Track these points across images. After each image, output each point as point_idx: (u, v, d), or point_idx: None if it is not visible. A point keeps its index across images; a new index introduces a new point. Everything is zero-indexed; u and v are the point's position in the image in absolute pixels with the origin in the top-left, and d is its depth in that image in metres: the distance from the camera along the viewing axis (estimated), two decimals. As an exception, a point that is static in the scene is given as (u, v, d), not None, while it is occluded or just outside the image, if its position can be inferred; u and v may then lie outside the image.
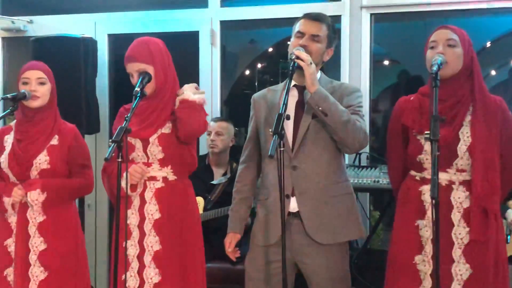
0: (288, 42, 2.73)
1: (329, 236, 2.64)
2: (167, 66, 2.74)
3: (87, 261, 3.09)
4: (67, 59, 3.90)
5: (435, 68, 2.29)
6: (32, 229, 2.89)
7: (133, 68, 2.68)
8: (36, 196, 2.86)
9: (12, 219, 2.92)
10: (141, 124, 2.68)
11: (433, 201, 2.08)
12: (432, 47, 2.44)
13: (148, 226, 2.71)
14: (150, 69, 2.67)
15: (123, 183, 2.51)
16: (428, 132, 2.13)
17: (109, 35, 4.58)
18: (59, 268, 2.91)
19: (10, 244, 2.92)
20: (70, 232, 2.98)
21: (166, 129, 2.70)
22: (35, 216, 2.90)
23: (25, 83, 2.91)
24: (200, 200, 3.75)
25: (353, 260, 3.69)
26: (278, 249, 2.41)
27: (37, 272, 2.88)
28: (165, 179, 2.73)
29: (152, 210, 2.71)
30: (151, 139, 2.69)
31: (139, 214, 2.71)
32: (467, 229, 2.39)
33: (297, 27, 2.69)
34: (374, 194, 4.21)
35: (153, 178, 2.72)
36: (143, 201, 2.72)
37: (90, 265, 3.17)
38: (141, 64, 2.67)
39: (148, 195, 2.72)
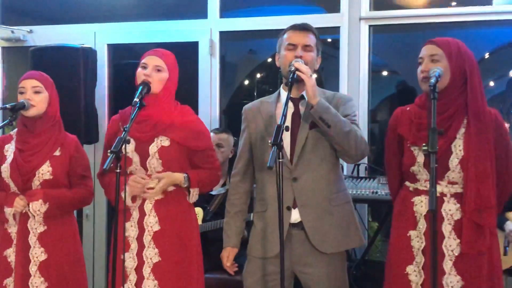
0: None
1: (332, 245, 2.64)
2: (175, 82, 2.81)
3: (85, 271, 3.09)
4: (66, 69, 3.91)
5: (433, 80, 2.29)
6: (32, 240, 2.89)
7: (154, 61, 2.72)
8: (38, 207, 2.86)
9: (12, 229, 2.92)
10: (140, 131, 2.71)
11: (431, 213, 2.08)
12: (420, 63, 2.46)
13: (147, 238, 2.70)
14: (165, 73, 2.73)
15: (122, 194, 2.53)
16: (426, 144, 2.13)
17: (109, 45, 4.60)
18: (59, 278, 2.92)
19: (10, 254, 2.91)
20: (70, 242, 2.98)
21: (166, 141, 2.71)
22: (36, 227, 2.90)
23: (21, 93, 2.92)
24: (199, 211, 3.74)
25: (352, 271, 3.69)
26: (276, 261, 2.41)
27: (37, 283, 2.88)
28: (164, 190, 2.73)
29: (152, 222, 2.70)
30: (151, 152, 2.70)
31: (138, 226, 2.71)
32: (458, 241, 2.38)
33: (287, 39, 2.68)
34: (372, 205, 4.21)
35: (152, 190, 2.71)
36: (142, 213, 2.72)
37: (88, 275, 3.17)
38: (163, 63, 2.73)
39: (148, 207, 2.72)
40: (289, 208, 2.62)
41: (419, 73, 2.44)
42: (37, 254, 2.89)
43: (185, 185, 2.74)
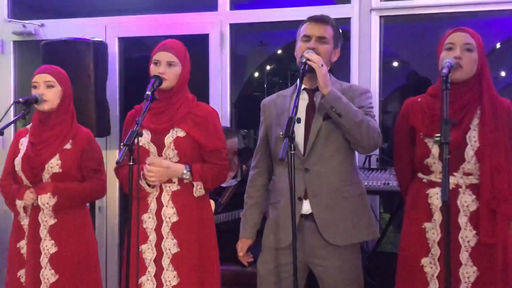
0: (297, 45, 2.74)
1: (342, 237, 2.64)
2: (189, 69, 2.81)
3: (99, 265, 3.11)
4: (77, 62, 3.91)
5: (445, 70, 2.28)
6: (43, 232, 2.92)
7: (165, 57, 2.71)
8: (47, 200, 2.88)
9: (25, 222, 2.95)
10: (156, 123, 2.73)
11: (444, 204, 2.07)
12: (449, 49, 2.42)
13: (165, 229, 2.72)
14: (178, 67, 2.73)
15: (141, 182, 2.59)
16: (439, 135, 2.12)
17: (120, 39, 4.60)
18: (70, 271, 2.94)
19: (23, 246, 2.95)
20: (82, 235, 2.99)
21: (181, 132, 2.73)
22: (47, 219, 2.92)
23: (34, 87, 2.94)
24: (211, 203, 3.75)
25: (363, 263, 3.69)
26: (290, 252, 2.42)
27: (48, 275, 2.91)
28: (180, 181, 2.75)
29: (170, 213, 2.72)
30: (166, 142, 2.72)
31: (156, 217, 2.73)
32: (474, 232, 2.39)
33: (303, 30, 2.70)
34: (384, 196, 4.21)
35: (169, 181, 2.73)
36: (160, 205, 2.74)
37: (100, 267, 3.19)
38: (174, 57, 2.72)
39: (165, 198, 2.74)
40: (300, 199, 2.62)
41: (447, 59, 2.34)
42: (48, 246, 2.92)
43: (186, 177, 2.73)
